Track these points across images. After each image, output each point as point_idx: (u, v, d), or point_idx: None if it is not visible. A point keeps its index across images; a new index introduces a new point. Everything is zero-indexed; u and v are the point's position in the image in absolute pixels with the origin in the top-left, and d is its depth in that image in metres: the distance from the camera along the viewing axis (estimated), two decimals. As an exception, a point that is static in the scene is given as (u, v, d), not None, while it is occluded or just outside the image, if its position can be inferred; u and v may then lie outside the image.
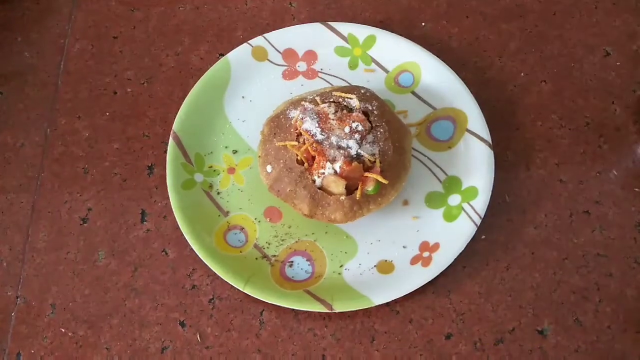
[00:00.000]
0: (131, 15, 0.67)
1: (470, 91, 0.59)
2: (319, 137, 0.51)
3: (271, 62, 0.62)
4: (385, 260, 0.54)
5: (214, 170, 0.59)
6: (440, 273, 0.53)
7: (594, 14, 0.66)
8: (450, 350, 0.52)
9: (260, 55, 0.62)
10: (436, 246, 0.54)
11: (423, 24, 0.66)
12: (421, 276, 0.52)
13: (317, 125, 0.52)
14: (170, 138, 0.58)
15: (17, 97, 0.63)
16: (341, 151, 0.51)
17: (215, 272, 0.53)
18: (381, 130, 0.53)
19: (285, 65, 0.62)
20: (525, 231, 0.56)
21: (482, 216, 0.54)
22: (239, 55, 0.61)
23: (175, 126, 0.58)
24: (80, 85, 0.64)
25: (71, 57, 0.65)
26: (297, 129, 0.52)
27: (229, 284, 0.54)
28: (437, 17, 0.66)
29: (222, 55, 0.64)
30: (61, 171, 0.60)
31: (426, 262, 0.53)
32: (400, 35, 0.62)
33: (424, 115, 0.60)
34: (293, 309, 0.53)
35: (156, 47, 0.65)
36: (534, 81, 0.63)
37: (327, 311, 0.51)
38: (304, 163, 0.52)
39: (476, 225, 0.54)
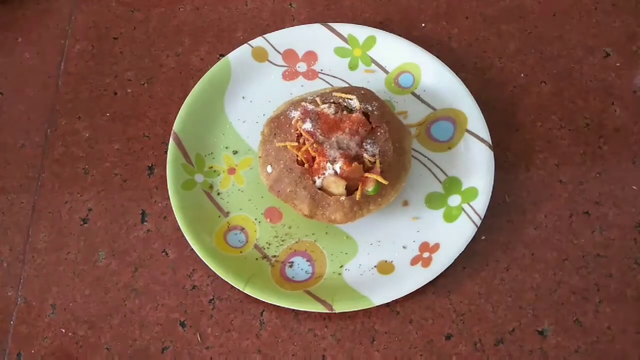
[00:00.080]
0: (131, 16, 0.67)
1: (470, 92, 0.59)
2: (319, 137, 0.51)
3: (271, 62, 0.62)
4: (386, 261, 0.55)
5: (214, 171, 0.59)
6: (440, 273, 0.53)
7: (594, 15, 0.66)
8: (450, 351, 0.52)
9: (260, 55, 0.62)
10: (436, 247, 0.54)
11: (423, 24, 0.66)
12: (421, 276, 0.52)
13: (317, 126, 0.52)
14: (171, 139, 0.58)
15: (17, 97, 0.63)
16: (341, 152, 0.51)
17: (216, 272, 0.53)
18: (381, 130, 0.53)
19: (285, 66, 0.62)
20: (525, 232, 0.56)
21: (482, 217, 0.54)
22: (239, 56, 0.61)
23: (175, 127, 0.58)
24: (81, 85, 0.64)
25: (71, 57, 0.65)
26: (297, 130, 0.52)
27: (229, 284, 0.54)
28: (437, 18, 0.66)
29: (222, 55, 0.64)
30: (61, 172, 0.60)
31: (426, 262, 0.53)
32: (400, 36, 0.62)
33: (424, 115, 0.60)
34: (293, 310, 0.53)
35: (156, 47, 0.65)
36: (534, 82, 0.63)
37: (328, 311, 0.51)
38: (304, 164, 0.52)
39: (476, 225, 0.54)
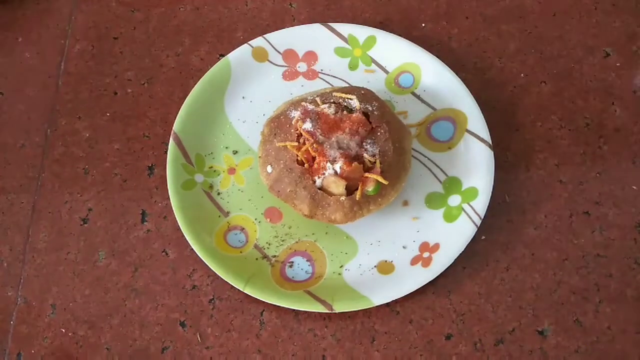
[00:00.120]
0: (131, 16, 0.67)
1: (470, 92, 0.59)
2: (319, 137, 0.51)
3: (271, 62, 0.62)
4: (386, 261, 0.55)
5: (214, 171, 0.59)
6: (440, 273, 0.53)
7: (594, 15, 0.66)
8: (450, 351, 0.52)
9: (260, 55, 0.62)
10: (436, 247, 0.54)
11: (423, 24, 0.66)
12: (421, 276, 0.52)
13: (317, 125, 0.52)
14: (171, 139, 0.58)
15: (17, 97, 0.63)
16: (341, 152, 0.51)
17: (216, 272, 0.53)
18: (381, 130, 0.53)
19: (285, 66, 0.62)
20: (525, 232, 0.56)
21: (482, 217, 0.54)
22: (239, 55, 0.61)
23: (175, 127, 0.58)
24: (81, 85, 0.64)
25: (71, 57, 0.65)
26: (297, 130, 0.52)
27: (229, 284, 0.54)
28: (437, 18, 0.66)
29: (222, 55, 0.64)
30: (61, 172, 0.60)
31: (426, 262, 0.53)
32: (400, 36, 0.62)
33: (424, 115, 0.60)
34: (293, 310, 0.53)
35: (156, 47, 0.65)
36: (534, 82, 0.63)
37: (328, 311, 0.51)
38: (304, 163, 0.52)
39: (476, 225, 0.54)
